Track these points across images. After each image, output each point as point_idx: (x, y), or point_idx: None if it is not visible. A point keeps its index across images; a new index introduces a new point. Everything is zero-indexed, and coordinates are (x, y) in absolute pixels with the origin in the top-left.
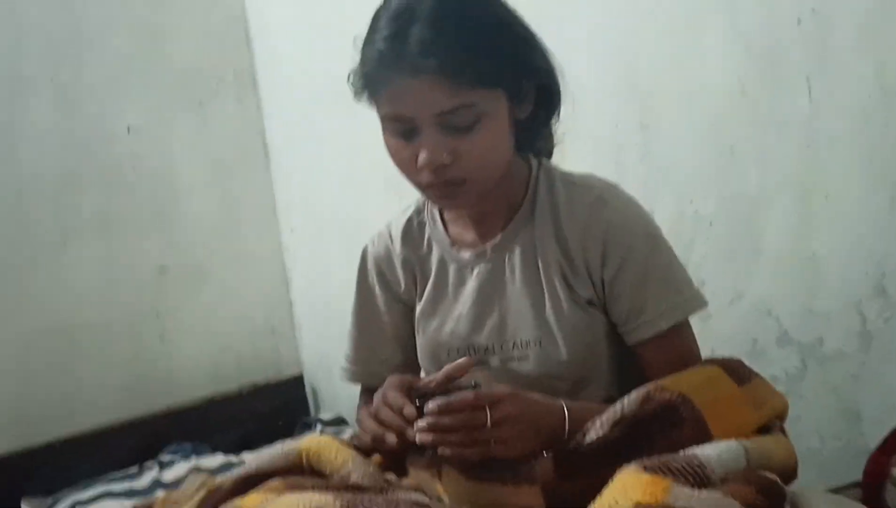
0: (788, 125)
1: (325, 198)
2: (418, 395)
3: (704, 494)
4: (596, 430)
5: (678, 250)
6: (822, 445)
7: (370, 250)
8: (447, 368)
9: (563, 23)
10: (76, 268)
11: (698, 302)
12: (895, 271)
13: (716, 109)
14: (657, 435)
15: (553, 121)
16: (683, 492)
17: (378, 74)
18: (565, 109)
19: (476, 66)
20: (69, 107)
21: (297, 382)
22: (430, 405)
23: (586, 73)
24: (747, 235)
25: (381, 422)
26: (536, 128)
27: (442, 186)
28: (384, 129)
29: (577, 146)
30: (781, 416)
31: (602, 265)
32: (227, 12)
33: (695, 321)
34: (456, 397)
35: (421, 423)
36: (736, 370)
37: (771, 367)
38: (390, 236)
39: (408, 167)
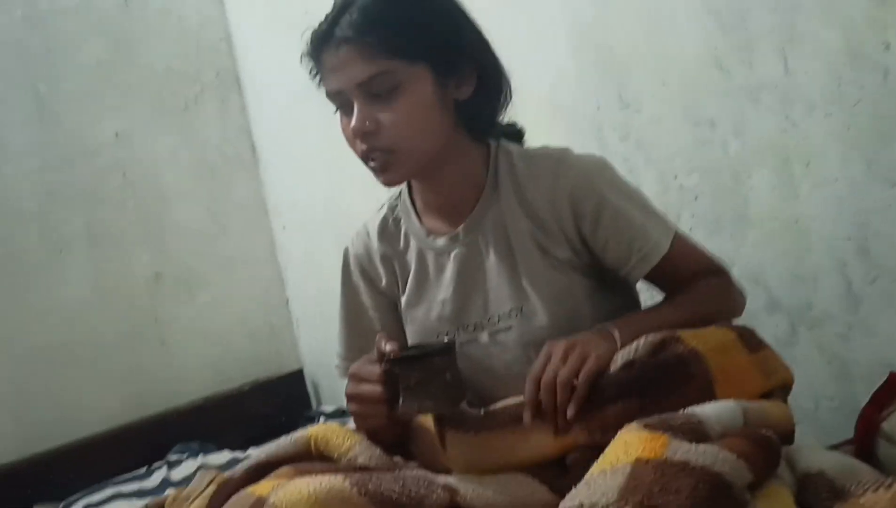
0: (764, 95)
1: (314, 193)
2: (388, 359)
3: (702, 447)
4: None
5: None
6: (816, 406)
7: (351, 250)
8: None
9: (536, 6)
10: (69, 282)
11: (674, 226)
12: (877, 233)
13: (693, 83)
14: (665, 387)
15: (499, 104)
16: (681, 446)
17: (314, 54)
18: (545, 90)
19: (391, 37)
20: (49, 120)
21: (298, 377)
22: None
23: (564, 54)
24: (732, 206)
25: (359, 398)
26: (480, 110)
27: (376, 158)
28: (335, 109)
29: (560, 127)
30: (786, 387)
31: (577, 222)
32: (203, 14)
33: None
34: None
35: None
36: (749, 338)
37: (762, 334)
38: (368, 234)
39: (350, 142)
